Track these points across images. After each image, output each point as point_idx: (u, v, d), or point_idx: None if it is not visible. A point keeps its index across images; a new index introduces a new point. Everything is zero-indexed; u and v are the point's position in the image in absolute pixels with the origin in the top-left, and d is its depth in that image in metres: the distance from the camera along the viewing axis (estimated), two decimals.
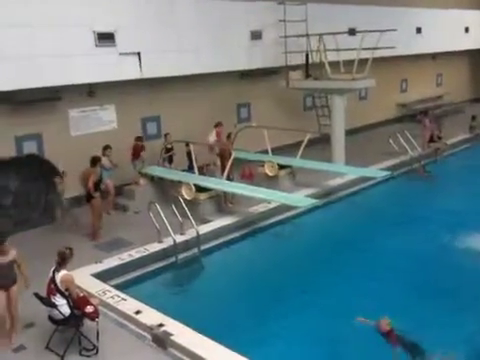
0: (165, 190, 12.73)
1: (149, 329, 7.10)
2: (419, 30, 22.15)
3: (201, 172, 13.03)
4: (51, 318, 6.95)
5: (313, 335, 7.34)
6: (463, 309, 7.95)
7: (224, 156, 12.58)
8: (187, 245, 10.06)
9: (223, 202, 12.17)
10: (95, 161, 10.91)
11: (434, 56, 24.54)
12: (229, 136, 13.26)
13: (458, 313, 7.83)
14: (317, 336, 7.31)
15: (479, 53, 27.58)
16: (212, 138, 13.27)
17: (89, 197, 10.75)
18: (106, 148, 12.01)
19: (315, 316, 7.81)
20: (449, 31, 23.71)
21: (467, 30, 25.60)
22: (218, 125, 13.42)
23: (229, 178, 12.33)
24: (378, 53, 14.35)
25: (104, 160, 11.90)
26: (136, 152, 12.86)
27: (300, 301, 8.29)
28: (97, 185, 10.83)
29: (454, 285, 8.64)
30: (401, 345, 6.42)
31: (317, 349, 7.07)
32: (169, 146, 13.33)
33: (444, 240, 10.63)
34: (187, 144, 12.93)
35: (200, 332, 6.84)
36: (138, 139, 12.94)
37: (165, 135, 13.41)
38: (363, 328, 6.73)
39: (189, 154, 12.97)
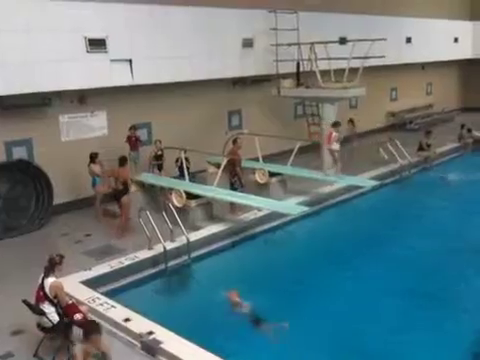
0: (156, 197, 12.69)
1: (138, 337, 7.06)
2: (409, 40, 22.39)
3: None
4: (40, 326, 6.89)
5: (304, 343, 7.33)
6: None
7: (234, 163, 12.35)
8: (177, 252, 10.02)
9: (230, 211, 12.09)
10: (124, 160, 11.10)
11: (423, 66, 24.77)
12: (235, 141, 12.67)
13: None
14: (308, 344, 7.31)
15: (468, 63, 27.87)
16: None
17: (120, 194, 10.91)
18: (96, 156, 11.95)
19: (304, 323, 7.80)
20: (439, 41, 23.99)
21: (456, 40, 25.89)
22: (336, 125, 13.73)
23: (241, 184, 12.32)
24: (368, 62, 14.44)
25: (96, 167, 11.89)
26: (131, 142, 12.92)
27: (290, 309, 8.28)
28: (126, 183, 11.03)
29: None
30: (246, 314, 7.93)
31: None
32: (159, 153, 13.30)
33: (432, 248, 10.64)
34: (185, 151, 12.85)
35: (190, 340, 6.81)
36: (131, 128, 13.02)
37: (155, 142, 13.37)
38: None
39: (180, 161, 12.92)
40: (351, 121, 17.11)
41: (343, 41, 15.60)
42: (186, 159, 12.79)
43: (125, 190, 11.04)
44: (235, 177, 12.30)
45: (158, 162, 13.31)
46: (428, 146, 17.15)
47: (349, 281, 9.19)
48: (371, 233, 11.42)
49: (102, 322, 7.54)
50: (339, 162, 13.82)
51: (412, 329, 7.69)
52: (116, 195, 11.10)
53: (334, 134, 13.67)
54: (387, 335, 7.55)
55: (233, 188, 12.25)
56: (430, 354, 7.07)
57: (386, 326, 7.79)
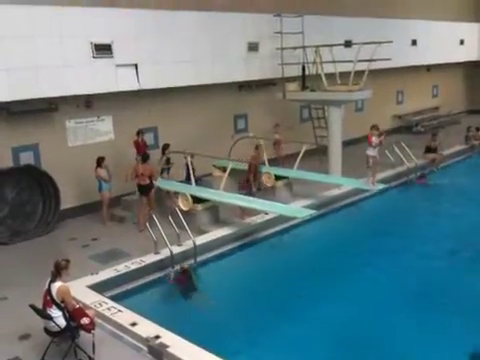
0: (162, 201, 12.71)
1: (145, 341, 7.06)
2: (414, 42, 22.34)
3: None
4: (47, 330, 6.90)
5: (311, 347, 7.32)
6: None
7: (255, 168, 12.47)
8: (184, 256, 10.02)
9: (239, 215, 12.04)
10: (147, 157, 11.78)
11: (429, 68, 24.70)
12: (257, 147, 12.97)
13: None
14: (314, 348, 7.29)
15: (474, 65, 27.78)
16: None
17: (146, 189, 11.61)
18: (102, 160, 11.99)
19: (312, 327, 7.77)
20: (444, 43, 23.95)
21: (462, 42, 25.82)
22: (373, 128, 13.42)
23: (258, 188, 12.49)
24: (374, 65, 14.42)
25: (102, 172, 11.92)
26: (138, 147, 12.96)
27: (297, 313, 8.26)
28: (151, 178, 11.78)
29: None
30: (187, 283, 9.20)
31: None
32: (169, 157, 13.29)
33: (438, 253, 10.56)
34: (186, 156, 12.84)
35: (196, 344, 6.79)
36: (138, 133, 13.08)
37: (165, 146, 13.30)
38: None
39: (186, 165, 12.92)
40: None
41: (349, 44, 15.60)
42: (191, 163, 12.81)
43: (151, 184, 11.73)
44: (255, 181, 12.39)
45: (168, 166, 13.31)
46: (435, 149, 17.09)
47: (353, 286, 9.11)
48: (376, 235, 11.37)
49: (109, 326, 7.58)
50: (373, 170, 13.53)
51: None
52: (142, 189, 11.66)
53: (372, 138, 13.33)
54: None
55: (248, 193, 12.22)
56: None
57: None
